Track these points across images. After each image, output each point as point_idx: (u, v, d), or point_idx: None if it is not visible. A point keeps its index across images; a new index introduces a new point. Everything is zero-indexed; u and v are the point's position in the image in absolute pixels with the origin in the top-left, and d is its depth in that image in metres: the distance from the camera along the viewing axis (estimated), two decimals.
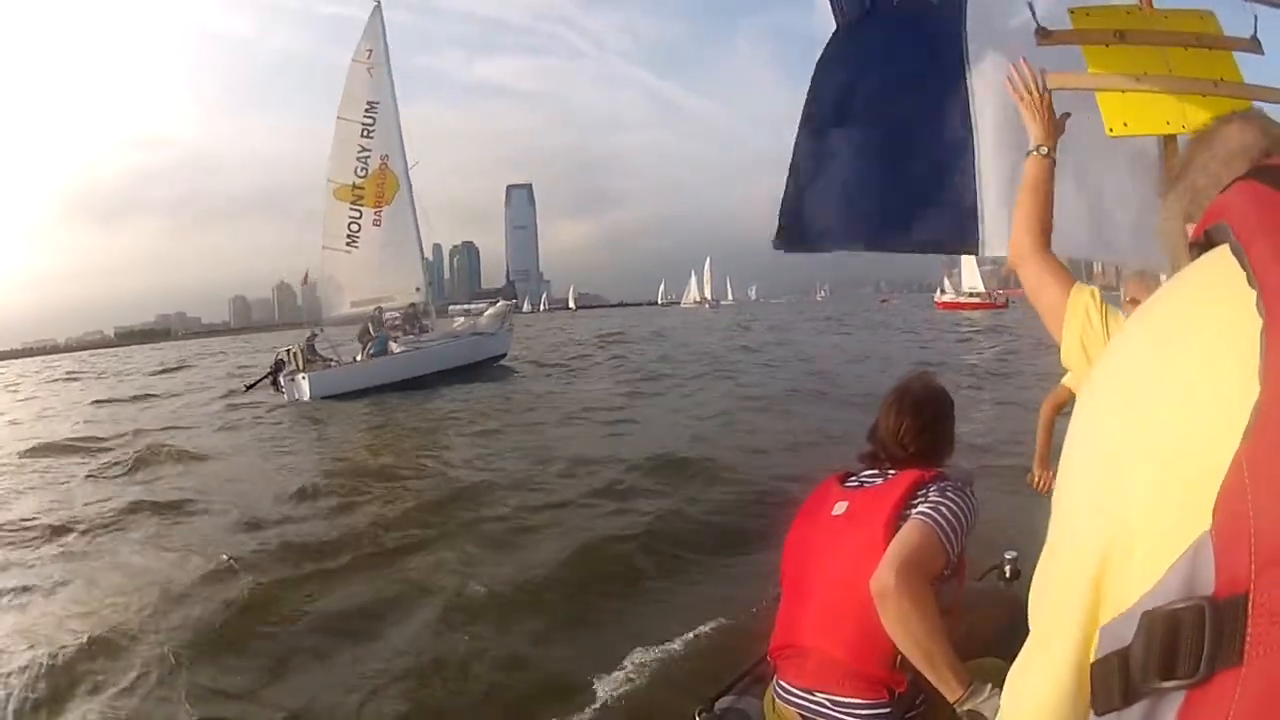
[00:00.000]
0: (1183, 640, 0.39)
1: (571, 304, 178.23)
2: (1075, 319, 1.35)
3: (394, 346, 16.89)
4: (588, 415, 11.06)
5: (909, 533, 1.47)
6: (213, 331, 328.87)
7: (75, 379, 32.10)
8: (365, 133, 18.26)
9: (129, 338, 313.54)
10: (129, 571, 5.17)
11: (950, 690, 1.38)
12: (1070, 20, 1.83)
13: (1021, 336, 20.47)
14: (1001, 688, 0.61)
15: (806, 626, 1.57)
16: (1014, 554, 2.30)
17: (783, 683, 1.61)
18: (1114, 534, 0.45)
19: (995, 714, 1.08)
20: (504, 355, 19.76)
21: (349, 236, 17.97)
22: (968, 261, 58.38)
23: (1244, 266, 0.45)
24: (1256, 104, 1.61)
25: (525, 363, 21.14)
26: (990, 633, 1.70)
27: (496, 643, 3.68)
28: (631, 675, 3.22)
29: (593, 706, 3.03)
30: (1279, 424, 0.38)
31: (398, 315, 18.14)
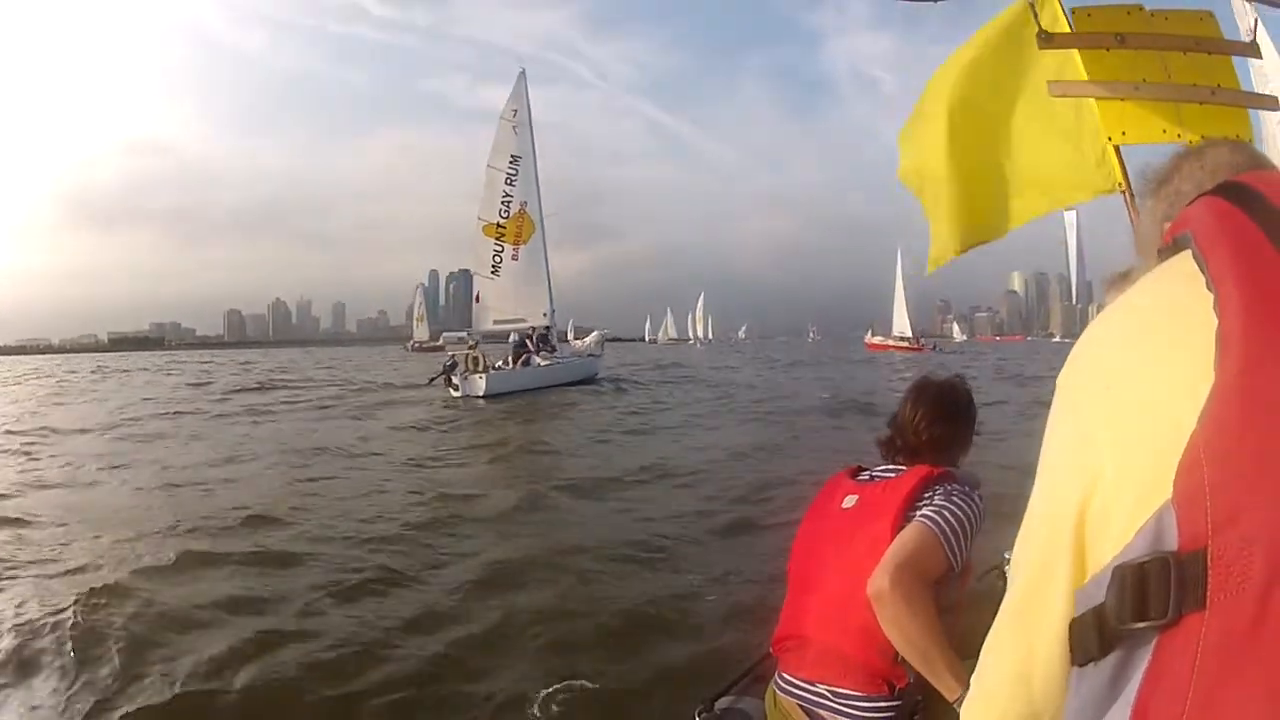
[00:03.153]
0: (1151, 587, 0.46)
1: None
2: None
3: (536, 360, 20.32)
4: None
5: (909, 536, 1.48)
6: (206, 344, 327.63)
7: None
8: (509, 180, 21.87)
9: (122, 343, 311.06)
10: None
11: (948, 689, 1.40)
12: (1072, 21, 1.89)
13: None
14: None
15: (811, 618, 1.60)
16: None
17: (784, 674, 1.63)
18: (1089, 505, 0.52)
19: None
20: (599, 372, 23.22)
21: (493, 266, 21.53)
22: (899, 308, 63.52)
23: (1203, 271, 0.52)
24: (1251, 110, 1.74)
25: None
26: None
27: (491, 637, 3.71)
28: (631, 675, 3.22)
29: (592, 706, 3.05)
30: (1228, 408, 0.45)
31: (533, 335, 21.56)
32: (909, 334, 60.24)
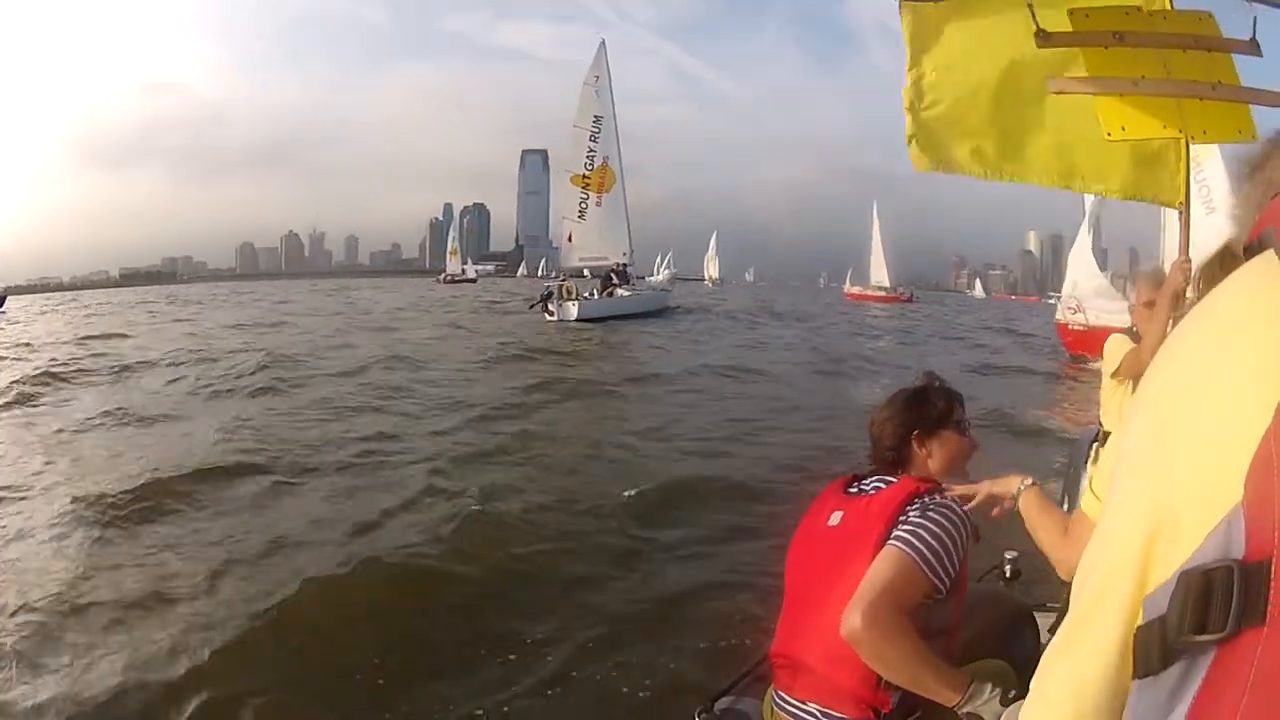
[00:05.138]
0: (1214, 597, 0.41)
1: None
2: (1108, 364, 1.80)
3: (620, 291, 24.53)
4: None
5: (881, 567, 1.44)
6: (218, 277, 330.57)
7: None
8: (592, 137, 25.79)
9: (133, 279, 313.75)
10: None
11: (947, 700, 1.39)
12: (1069, 22, 1.88)
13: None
14: (1002, 688, 0.66)
15: (799, 637, 1.59)
16: (1014, 554, 2.29)
17: (779, 691, 1.63)
18: (1161, 508, 0.47)
19: (995, 717, 1.24)
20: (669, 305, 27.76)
21: (579, 211, 25.66)
22: (875, 258, 67.66)
23: None
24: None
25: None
26: (991, 633, 1.70)
27: (491, 632, 3.64)
28: (631, 674, 3.22)
29: (592, 706, 3.05)
30: None
31: (614, 271, 25.67)
32: (887, 284, 64.13)
